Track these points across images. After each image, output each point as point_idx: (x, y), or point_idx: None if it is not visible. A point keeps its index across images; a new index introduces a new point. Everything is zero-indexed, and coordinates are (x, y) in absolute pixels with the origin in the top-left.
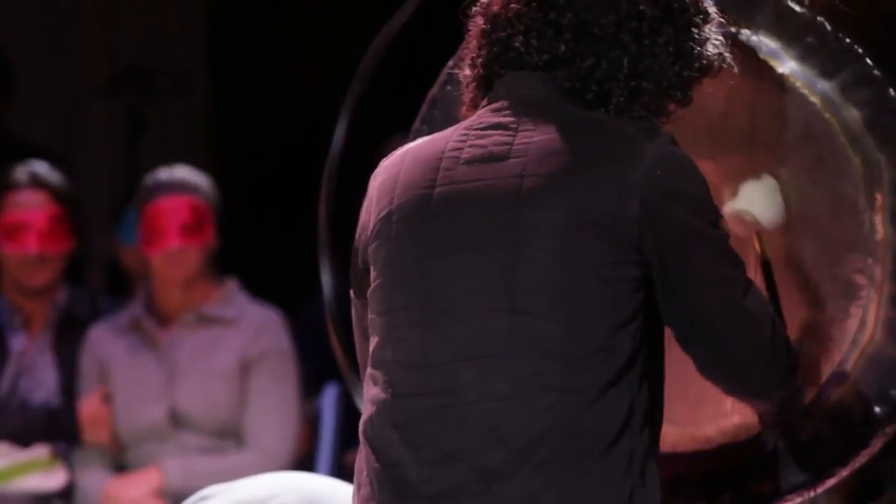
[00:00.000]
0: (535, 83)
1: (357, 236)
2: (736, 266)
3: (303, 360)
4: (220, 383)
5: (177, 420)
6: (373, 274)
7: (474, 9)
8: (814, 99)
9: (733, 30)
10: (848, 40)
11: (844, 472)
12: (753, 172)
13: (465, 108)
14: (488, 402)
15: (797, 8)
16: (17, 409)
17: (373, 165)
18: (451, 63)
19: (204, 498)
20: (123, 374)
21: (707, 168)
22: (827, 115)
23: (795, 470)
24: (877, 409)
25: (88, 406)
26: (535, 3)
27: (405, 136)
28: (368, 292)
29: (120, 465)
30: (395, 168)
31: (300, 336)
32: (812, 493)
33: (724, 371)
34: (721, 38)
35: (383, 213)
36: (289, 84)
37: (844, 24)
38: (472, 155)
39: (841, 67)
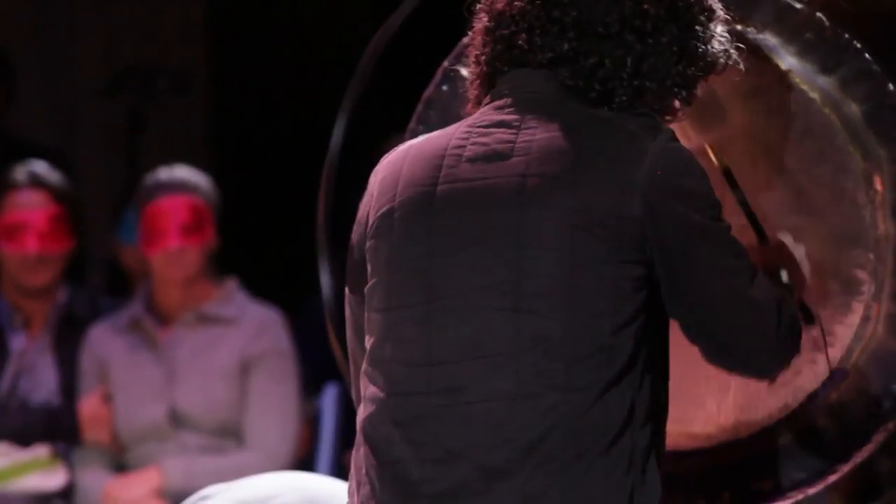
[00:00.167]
0: (538, 80)
1: (354, 232)
2: (740, 256)
3: (303, 360)
4: (220, 383)
5: (177, 420)
6: (370, 271)
7: (478, 6)
8: (814, 94)
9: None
10: (847, 36)
11: (846, 468)
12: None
13: (469, 105)
14: (492, 401)
15: (796, 4)
16: (17, 409)
17: (372, 165)
18: (446, 63)
19: (204, 498)
20: (123, 374)
21: (708, 166)
22: (827, 111)
23: (796, 467)
24: (879, 405)
25: (88, 406)
26: (538, 1)
27: (403, 135)
28: (366, 289)
29: (120, 464)
30: (397, 165)
31: (300, 336)
32: (813, 490)
33: (733, 358)
34: (726, 34)
35: (384, 210)
36: (288, 84)
37: (843, 19)
38: (475, 153)
39: (840, 63)
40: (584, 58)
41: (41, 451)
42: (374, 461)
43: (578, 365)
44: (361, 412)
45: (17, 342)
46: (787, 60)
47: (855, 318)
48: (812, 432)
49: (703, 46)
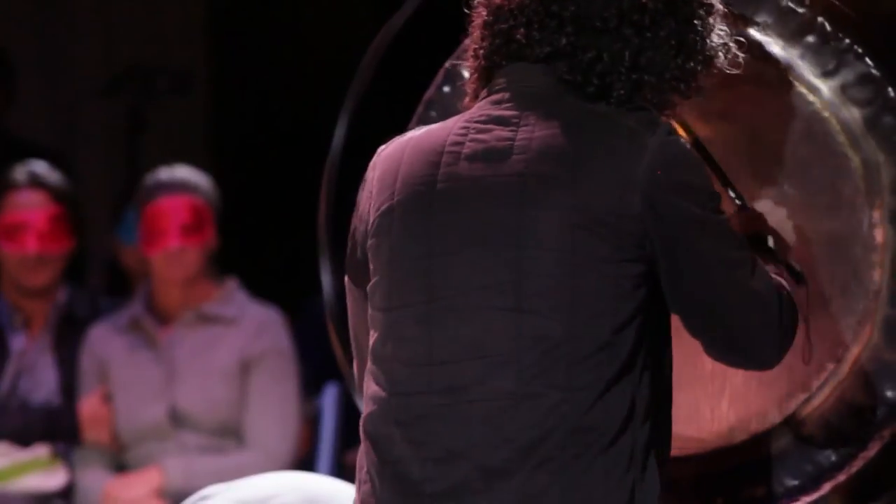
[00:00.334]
0: (536, 75)
1: (353, 227)
2: (741, 247)
3: (303, 360)
4: (219, 382)
5: (177, 419)
6: (372, 269)
7: (477, 0)
8: (813, 98)
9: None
10: (847, 40)
11: (842, 477)
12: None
13: (467, 100)
14: (493, 401)
15: (797, 8)
16: (17, 409)
17: None
18: (447, 64)
19: (204, 497)
20: (123, 374)
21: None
22: (827, 115)
23: (790, 473)
24: (874, 411)
25: (88, 406)
26: None
27: None
28: (368, 287)
29: (120, 464)
30: (394, 160)
31: (300, 336)
32: (809, 498)
33: (736, 351)
34: (725, 28)
35: (384, 208)
36: (289, 84)
37: (844, 23)
38: (474, 150)
39: (841, 67)
40: (582, 52)
41: (41, 451)
42: (375, 460)
43: (579, 364)
44: (364, 411)
45: (17, 342)
46: (788, 63)
47: (852, 323)
48: (807, 438)
49: (702, 40)
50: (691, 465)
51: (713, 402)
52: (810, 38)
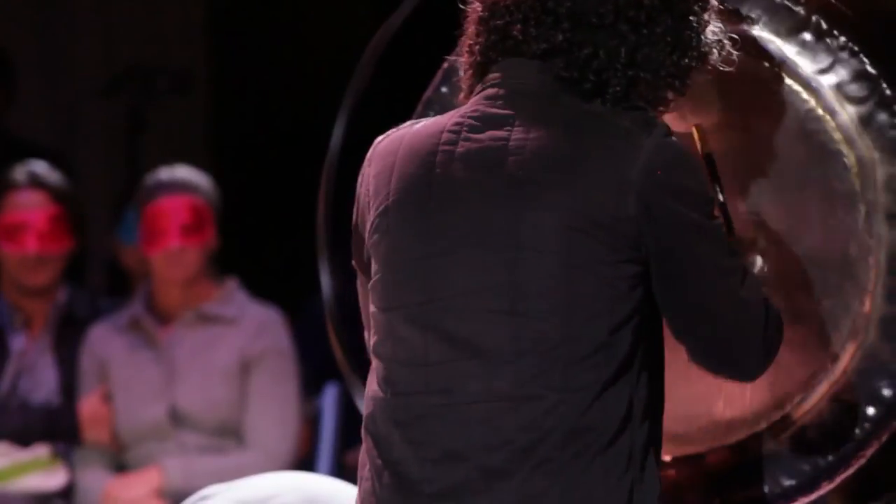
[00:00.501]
0: (532, 72)
1: (355, 220)
2: (733, 255)
3: (303, 360)
4: (220, 382)
5: (177, 419)
6: (374, 267)
7: None
8: (809, 96)
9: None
10: (843, 38)
11: (840, 477)
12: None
13: (461, 96)
14: (491, 402)
15: (792, 6)
16: (17, 409)
17: None
18: (445, 65)
19: (204, 497)
20: (123, 374)
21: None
22: (821, 112)
23: (787, 473)
24: (870, 411)
25: (88, 406)
26: None
27: None
28: (370, 284)
29: (120, 464)
30: (390, 158)
31: (300, 336)
32: (807, 499)
33: (719, 358)
34: (720, 25)
35: (381, 208)
36: (288, 84)
37: (840, 21)
38: (468, 150)
39: (836, 65)
40: (578, 48)
41: (41, 451)
42: (376, 459)
43: (576, 366)
44: (365, 410)
45: (17, 342)
46: (783, 61)
47: (847, 321)
48: (804, 439)
49: (697, 37)
50: (689, 466)
51: (710, 402)
52: (805, 36)
